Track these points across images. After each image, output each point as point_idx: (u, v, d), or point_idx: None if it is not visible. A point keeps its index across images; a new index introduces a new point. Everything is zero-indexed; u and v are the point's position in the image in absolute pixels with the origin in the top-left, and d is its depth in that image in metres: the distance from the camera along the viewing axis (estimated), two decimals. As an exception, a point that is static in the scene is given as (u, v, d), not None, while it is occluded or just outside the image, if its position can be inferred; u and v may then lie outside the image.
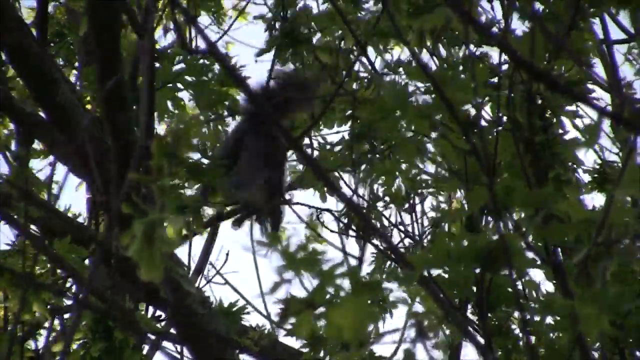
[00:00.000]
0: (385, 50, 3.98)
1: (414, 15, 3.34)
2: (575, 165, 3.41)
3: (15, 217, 3.83)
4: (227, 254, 5.21)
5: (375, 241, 4.21)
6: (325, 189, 4.02)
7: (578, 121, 3.51)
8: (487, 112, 3.57)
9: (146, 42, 2.62)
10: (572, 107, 3.42)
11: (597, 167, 3.85)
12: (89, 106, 3.98)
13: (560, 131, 3.46)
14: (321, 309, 2.14)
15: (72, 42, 4.87)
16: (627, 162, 2.33)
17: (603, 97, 4.51)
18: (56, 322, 4.20)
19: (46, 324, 4.08)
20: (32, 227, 3.88)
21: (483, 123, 3.23)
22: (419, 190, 3.98)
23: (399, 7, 3.49)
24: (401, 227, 4.29)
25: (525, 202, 2.28)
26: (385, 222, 4.26)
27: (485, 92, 2.89)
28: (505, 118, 3.32)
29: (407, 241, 4.35)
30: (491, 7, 3.57)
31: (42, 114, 3.59)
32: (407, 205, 4.19)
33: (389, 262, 4.35)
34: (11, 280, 3.68)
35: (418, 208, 4.32)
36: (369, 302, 2.16)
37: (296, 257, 2.07)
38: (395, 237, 4.35)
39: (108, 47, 3.05)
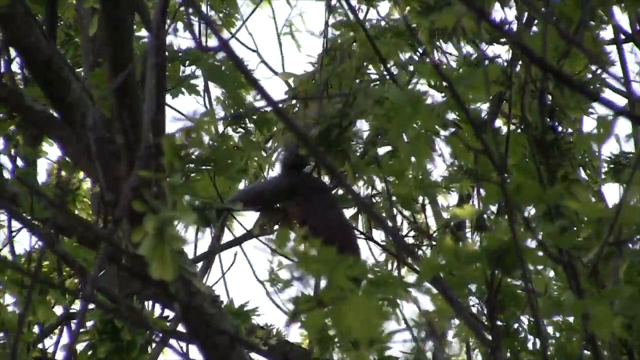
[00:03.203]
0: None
1: (424, 13, 3.34)
2: (590, 160, 3.41)
3: (23, 213, 3.84)
4: (235, 254, 5.21)
5: (383, 241, 4.22)
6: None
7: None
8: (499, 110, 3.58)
9: (155, 39, 2.62)
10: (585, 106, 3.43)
11: (614, 157, 3.85)
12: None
13: (569, 130, 3.46)
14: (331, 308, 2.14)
15: (78, 44, 4.88)
16: (639, 160, 2.32)
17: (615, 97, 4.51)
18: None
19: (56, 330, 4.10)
20: (39, 224, 3.88)
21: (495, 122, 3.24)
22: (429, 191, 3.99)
23: (410, 6, 3.50)
24: (411, 220, 4.30)
25: (537, 200, 2.27)
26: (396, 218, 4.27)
27: (497, 89, 2.89)
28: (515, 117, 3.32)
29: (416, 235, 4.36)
30: (502, 6, 3.57)
31: (52, 111, 3.59)
32: (417, 205, 4.20)
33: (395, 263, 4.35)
34: (18, 280, 3.69)
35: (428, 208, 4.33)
36: (379, 300, 2.16)
37: (307, 254, 2.07)
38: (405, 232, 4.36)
39: (119, 45, 3.04)
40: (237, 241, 4.69)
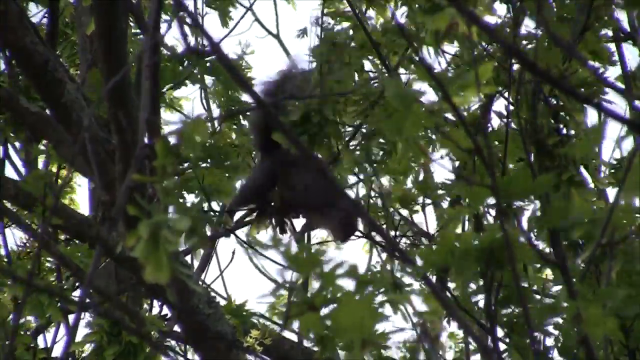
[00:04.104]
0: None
1: (429, 13, 3.33)
2: (594, 161, 3.41)
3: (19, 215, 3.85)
4: (233, 253, 5.21)
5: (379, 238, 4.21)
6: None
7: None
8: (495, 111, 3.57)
9: (148, 39, 2.61)
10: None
11: (615, 162, 3.85)
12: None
13: (572, 132, 3.46)
14: (327, 309, 2.15)
15: (75, 42, 4.89)
16: (632, 163, 2.32)
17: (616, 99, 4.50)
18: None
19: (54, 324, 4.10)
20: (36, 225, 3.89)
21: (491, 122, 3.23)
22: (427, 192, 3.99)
23: (412, 7, 3.49)
24: (409, 222, 4.29)
25: (527, 191, 2.27)
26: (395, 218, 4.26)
27: (493, 89, 2.88)
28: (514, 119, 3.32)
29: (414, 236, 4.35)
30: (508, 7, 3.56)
31: (48, 113, 3.60)
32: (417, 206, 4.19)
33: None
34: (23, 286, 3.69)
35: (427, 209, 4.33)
36: (372, 301, 2.17)
37: (298, 258, 2.07)
38: (403, 232, 4.35)
39: (113, 45, 3.05)
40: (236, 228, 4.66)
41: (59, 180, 4.56)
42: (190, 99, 4.04)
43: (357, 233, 4.09)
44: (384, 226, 3.99)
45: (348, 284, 2.15)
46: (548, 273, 3.72)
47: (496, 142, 3.46)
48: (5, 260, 4.03)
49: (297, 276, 2.14)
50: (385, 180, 4.12)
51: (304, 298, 2.09)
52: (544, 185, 2.27)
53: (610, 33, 3.89)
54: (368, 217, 2.19)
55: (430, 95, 2.59)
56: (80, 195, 5.08)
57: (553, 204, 2.30)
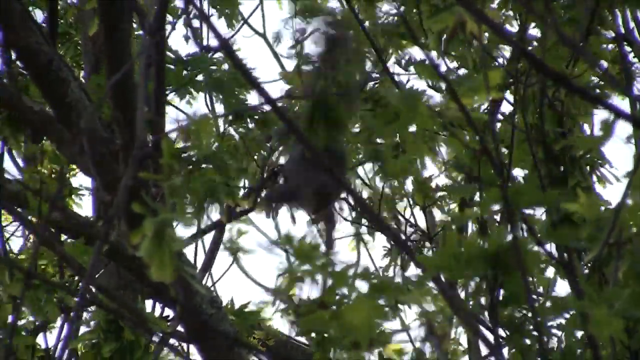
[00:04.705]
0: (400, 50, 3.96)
1: (434, 16, 3.33)
2: (600, 162, 3.41)
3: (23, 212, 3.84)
4: (235, 254, 5.20)
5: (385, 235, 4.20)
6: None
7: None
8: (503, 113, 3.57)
9: (151, 37, 2.61)
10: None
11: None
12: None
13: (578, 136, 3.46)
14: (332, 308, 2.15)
15: (79, 42, 4.89)
16: (639, 163, 2.32)
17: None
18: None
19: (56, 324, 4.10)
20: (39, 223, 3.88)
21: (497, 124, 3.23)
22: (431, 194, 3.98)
23: (413, 9, 3.49)
24: (412, 222, 4.28)
25: (536, 202, 2.27)
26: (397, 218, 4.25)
27: (499, 94, 2.88)
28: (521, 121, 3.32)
29: (417, 237, 4.35)
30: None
31: (51, 112, 3.58)
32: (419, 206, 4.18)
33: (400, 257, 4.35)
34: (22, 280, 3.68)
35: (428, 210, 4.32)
36: (380, 301, 2.17)
37: (309, 257, 2.07)
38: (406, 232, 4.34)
39: (116, 46, 3.04)
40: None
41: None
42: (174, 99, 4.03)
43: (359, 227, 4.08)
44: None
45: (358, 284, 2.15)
46: (550, 273, 3.72)
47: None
48: (4, 257, 4.03)
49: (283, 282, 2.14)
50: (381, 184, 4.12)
51: (314, 298, 2.09)
52: (553, 198, 2.27)
53: (609, 34, 3.90)
54: (375, 215, 2.18)
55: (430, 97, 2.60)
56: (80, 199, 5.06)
57: (562, 226, 2.30)
